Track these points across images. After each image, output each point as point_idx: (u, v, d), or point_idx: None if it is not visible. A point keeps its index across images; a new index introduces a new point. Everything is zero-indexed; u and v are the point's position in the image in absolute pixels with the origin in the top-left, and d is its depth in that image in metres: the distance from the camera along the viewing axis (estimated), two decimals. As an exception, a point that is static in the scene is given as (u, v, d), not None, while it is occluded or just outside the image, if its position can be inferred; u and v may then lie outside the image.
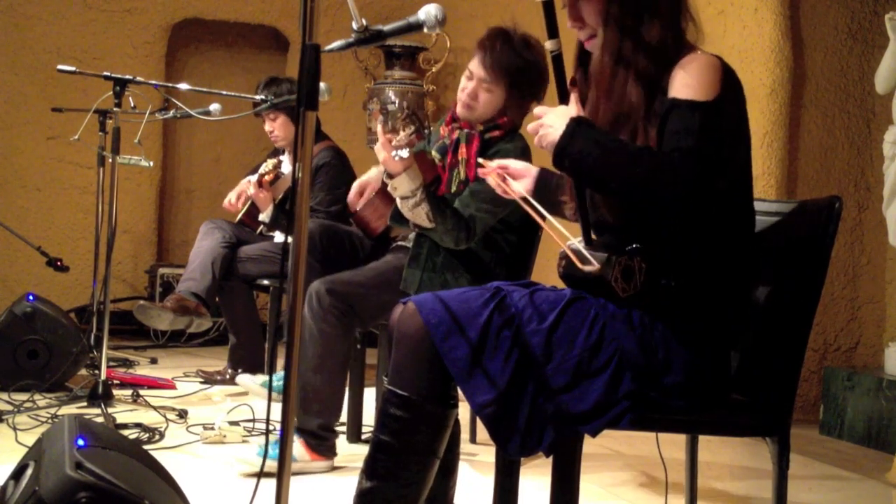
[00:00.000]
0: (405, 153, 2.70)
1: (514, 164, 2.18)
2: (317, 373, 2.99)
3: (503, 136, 3.00)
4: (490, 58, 2.96)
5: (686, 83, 1.83)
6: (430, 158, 3.10)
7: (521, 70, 2.96)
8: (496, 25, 3.03)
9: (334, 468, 3.06)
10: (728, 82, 1.85)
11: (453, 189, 2.98)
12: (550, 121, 1.88)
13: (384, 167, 2.79)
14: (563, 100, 1.94)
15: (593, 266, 1.83)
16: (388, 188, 2.82)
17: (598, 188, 1.91)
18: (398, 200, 2.80)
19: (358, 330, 3.21)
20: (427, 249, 2.98)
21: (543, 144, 1.88)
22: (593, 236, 1.95)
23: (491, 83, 2.96)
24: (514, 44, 2.97)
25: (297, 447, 2.98)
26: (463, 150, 3.00)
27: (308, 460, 2.99)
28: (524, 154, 2.99)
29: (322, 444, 3.02)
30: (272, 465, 2.87)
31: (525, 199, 2.04)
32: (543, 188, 2.14)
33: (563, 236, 1.91)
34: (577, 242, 1.91)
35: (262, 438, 3.28)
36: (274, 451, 2.91)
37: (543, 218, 1.97)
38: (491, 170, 2.14)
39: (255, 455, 2.93)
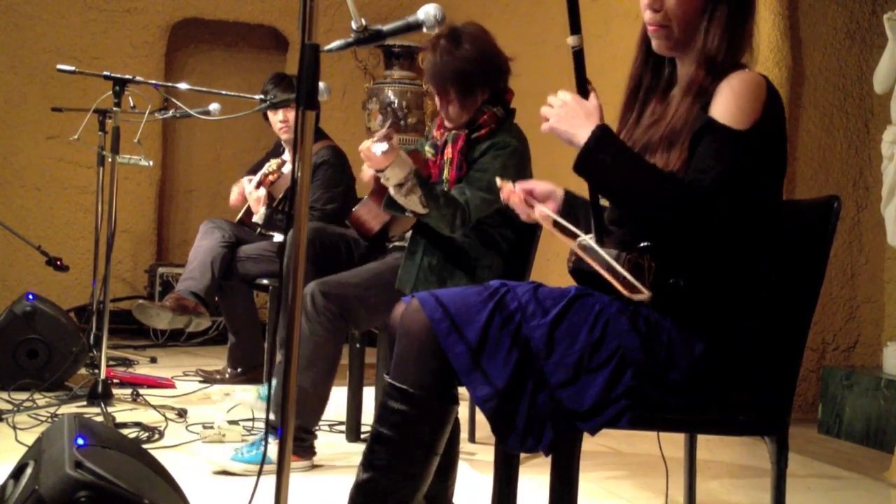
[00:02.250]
0: (384, 146, 2.73)
1: (539, 185, 2.12)
2: (303, 374, 2.98)
3: (491, 131, 2.99)
4: (428, 74, 3.00)
5: (728, 105, 1.81)
6: (422, 157, 3.11)
7: (461, 73, 2.94)
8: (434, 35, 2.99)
9: (314, 466, 3.06)
10: (770, 105, 1.84)
11: (444, 188, 3.00)
12: (573, 113, 1.85)
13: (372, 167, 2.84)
14: (583, 96, 1.89)
15: (643, 294, 1.79)
16: (382, 180, 2.84)
17: (613, 200, 1.91)
18: (391, 190, 2.83)
19: (352, 331, 3.21)
20: (423, 248, 2.99)
21: (558, 131, 1.86)
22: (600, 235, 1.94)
23: (444, 94, 2.98)
24: (442, 52, 2.95)
25: (274, 447, 2.93)
26: (449, 149, 3.01)
27: None
28: (521, 141, 3.00)
29: (299, 445, 3.00)
30: (248, 468, 2.89)
31: (554, 222, 1.98)
32: (571, 210, 2.09)
33: (599, 256, 1.86)
34: (589, 238, 1.89)
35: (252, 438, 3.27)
36: (248, 454, 2.93)
37: (576, 237, 1.90)
38: (513, 192, 2.07)
39: (230, 459, 2.92)
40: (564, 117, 1.86)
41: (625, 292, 1.79)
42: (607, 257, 1.82)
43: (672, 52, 1.97)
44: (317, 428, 3.10)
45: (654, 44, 1.96)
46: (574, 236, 1.90)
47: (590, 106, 1.86)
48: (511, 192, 2.07)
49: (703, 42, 1.89)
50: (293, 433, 2.95)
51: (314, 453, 3.07)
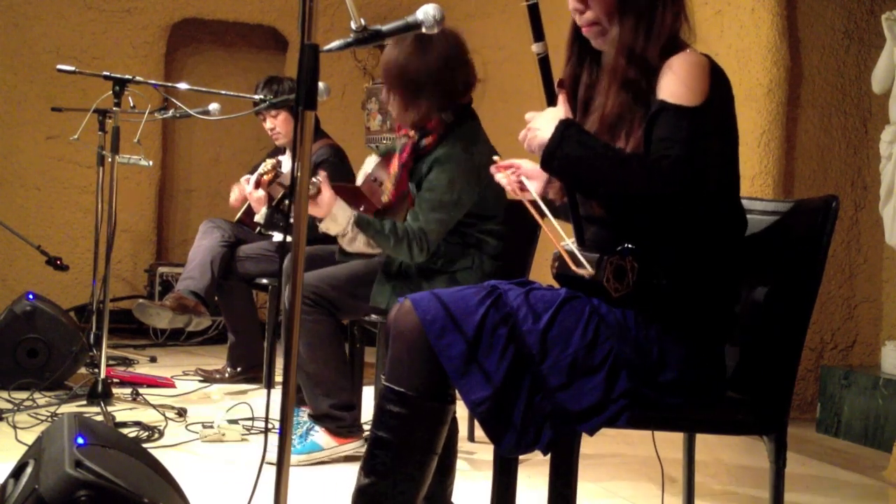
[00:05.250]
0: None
1: (526, 164, 2.15)
2: (311, 361, 3.00)
3: (437, 140, 2.96)
4: (381, 67, 2.98)
5: (675, 86, 1.83)
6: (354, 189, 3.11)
7: (409, 79, 2.90)
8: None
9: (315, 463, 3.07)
10: (716, 82, 1.85)
11: (384, 199, 2.99)
12: (538, 124, 1.89)
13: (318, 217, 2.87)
14: (551, 102, 1.95)
15: (587, 270, 1.85)
16: (321, 228, 2.89)
17: (585, 192, 1.93)
18: (338, 239, 2.88)
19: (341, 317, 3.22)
20: (398, 261, 2.99)
21: (532, 147, 1.90)
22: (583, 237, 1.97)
23: (390, 91, 2.96)
24: (404, 51, 2.90)
25: (321, 436, 3.02)
26: (394, 162, 3.00)
27: (335, 445, 3.03)
28: (466, 148, 2.95)
29: (343, 425, 3.03)
30: (300, 459, 2.96)
31: (532, 201, 2.02)
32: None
33: (559, 237, 1.93)
34: (571, 243, 1.92)
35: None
36: (298, 445, 2.97)
37: (543, 216, 1.97)
38: (502, 166, 2.12)
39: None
40: (535, 137, 1.89)
41: (571, 266, 1.86)
42: (557, 225, 1.92)
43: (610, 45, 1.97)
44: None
45: (593, 42, 1.98)
46: (543, 216, 1.98)
47: (554, 111, 1.90)
48: (499, 167, 2.12)
49: (619, 29, 1.91)
50: (329, 413, 3.04)
51: (363, 430, 3.08)
